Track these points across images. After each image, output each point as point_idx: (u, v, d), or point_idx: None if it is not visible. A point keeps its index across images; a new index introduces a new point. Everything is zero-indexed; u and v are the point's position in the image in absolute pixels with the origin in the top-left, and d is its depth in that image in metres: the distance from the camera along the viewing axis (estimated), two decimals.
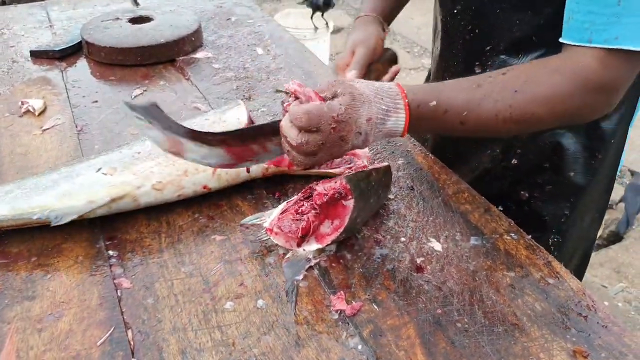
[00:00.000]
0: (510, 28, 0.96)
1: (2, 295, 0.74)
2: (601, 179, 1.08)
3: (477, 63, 1.03)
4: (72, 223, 0.84)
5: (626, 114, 1.03)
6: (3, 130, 1.11)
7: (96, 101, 1.21)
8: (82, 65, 1.39)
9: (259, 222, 0.83)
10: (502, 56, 0.99)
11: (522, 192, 1.07)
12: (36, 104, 1.17)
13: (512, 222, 0.86)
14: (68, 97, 1.23)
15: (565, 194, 1.06)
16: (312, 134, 0.75)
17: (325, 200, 0.80)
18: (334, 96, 0.77)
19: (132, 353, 0.66)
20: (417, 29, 4.44)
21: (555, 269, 0.77)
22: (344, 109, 0.75)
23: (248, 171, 0.91)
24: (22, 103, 1.18)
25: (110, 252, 0.81)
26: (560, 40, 0.82)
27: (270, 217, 0.82)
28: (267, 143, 0.82)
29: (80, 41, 1.43)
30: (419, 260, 0.79)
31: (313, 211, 0.80)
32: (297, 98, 0.78)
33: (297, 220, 0.80)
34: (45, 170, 0.94)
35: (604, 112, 0.85)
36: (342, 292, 0.74)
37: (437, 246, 0.81)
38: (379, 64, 1.13)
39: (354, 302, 0.72)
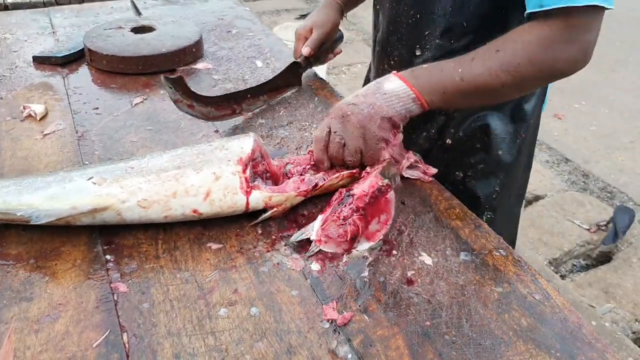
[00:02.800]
0: (445, 14, 1.07)
1: (1, 296, 0.76)
2: (523, 156, 1.22)
3: (417, 46, 1.13)
4: (71, 227, 0.85)
5: (541, 96, 1.18)
6: (4, 134, 1.13)
7: (97, 108, 1.23)
8: (83, 72, 1.41)
9: (305, 237, 0.86)
10: (438, 41, 1.09)
11: (457, 173, 1.18)
12: (38, 109, 1.19)
13: (502, 238, 0.88)
14: (69, 103, 1.25)
15: (495, 171, 1.18)
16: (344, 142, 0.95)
17: (367, 200, 0.85)
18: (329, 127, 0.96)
19: (127, 356, 0.68)
20: None
21: (541, 286, 0.79)
22: (350, 108, 0.93)
23: (247, 206, 0.89)
24: (24, 108, 1.20)
25: (108, 257, 0.83)
26: (525, 13, 0.90)
27: (313, 229, 0.86)
28: (245, 102, 1.18)
29: (83, 48, 1.45)
30: (409, 274, 0.81)
31: (357, 214, 0.85)
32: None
33: (342, 225, 0.84)
34: (46, 172, 0.95)
35: (578, 68, 0.91)
36: (333, 302, 0.75)
37: (427, 260, 0.83)
38: (329, 43, 1.34)
39: (345, 312, 0.74)
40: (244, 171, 0.89)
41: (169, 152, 0.93)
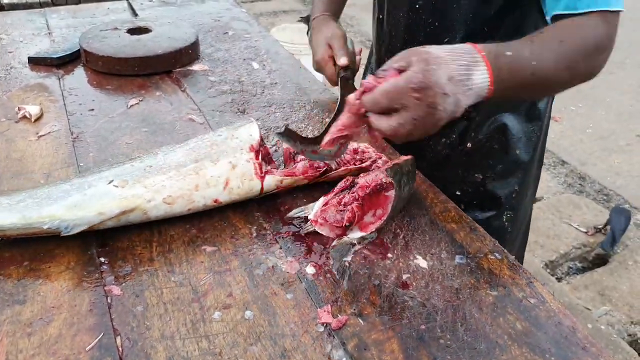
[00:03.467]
0: (465, 21, 1.06)
1: None
2: (538, 154, 1.23)
3: None
4: None
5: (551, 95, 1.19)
6: None
7: (92, 109, 1.23)
8: (79, 73, 1.41)
9: (303, 215, 0.89)
10: None
11: (476, 175, 1.18)
12: (33, 110, 1.18)
13: (497, 242, 0.88)
14: (64, 104, 1.25)
15: (513, 171, 1.19)
16: (400, 115, 0.76)
17: (367, 192, 0.87)
18: (409, 65, 0.76)
19: (121, 359, 0.67)
20: None
21: (537, 289, 0.79)
22: (421, 76, 0.74)
23: (262, 191, 0.93)
24: (19, 109, 1.19)
25: (102, 259, 0.82)
26: (555, 13, 0.91)
27: (313, 209, 0.88)
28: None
29: (79, 49, 1.45)
30: (404, 277, 0.81)
31: (356, 202, 0.87)
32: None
33: (341, 211, 0.87)
34: (58, 181, 0.95)
35: (603, 67, 0.92)
36: (328, 305, 0.75)
37: (422, 263, 0.83)
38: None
39: (339, 316, 0.74)
40: (257, 157, 0.93)
41: (182, 147, 0.94)
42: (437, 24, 1.09)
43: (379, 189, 0.88)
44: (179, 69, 1.43)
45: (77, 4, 1.92)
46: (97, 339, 0.70)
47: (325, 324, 0.73)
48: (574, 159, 3.28)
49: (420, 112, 0.75)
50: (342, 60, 1.15)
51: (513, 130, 1.16)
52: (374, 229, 0.87)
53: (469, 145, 1.16)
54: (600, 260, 2.55)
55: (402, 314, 0.75)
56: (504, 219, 1.19)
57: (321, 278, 0.80)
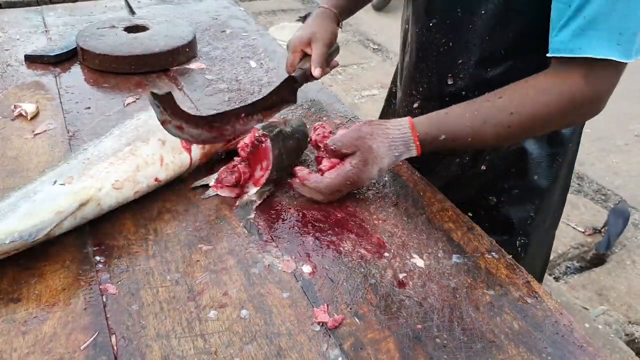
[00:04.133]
0: (481, 43, 1.01)
1: None
2: (560, 181, 1.17)
3: (449, 75, 1.07)
4: None
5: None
6: None
7: (89, 107, 1.23)
8: (76, 71, 1.40)
9: (206, 183, 0.98)
10: (472, 70, 1.04)
11: (490, 198, 1.13)
12: (29, 108, 1.18)
13: (494, 241, 0.88)
14: (61, 102, 1.24)
15: (530, 197, 1.13)
16: (333, 194, 0.93)
17: (249, 150, 0.96)
18: (353, 153, 0.91)
19: (116, 358, 0.67)
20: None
21: (534, 289, 0.79)
22: (355, 172, 0.90)
23: (191, 162, 0.99)
24: (15, 107, 1.19)
25: (98, 258, 0.82)
26: (548, 55, 0.88)
27: (212, 178, 0.98)
28: (238, 122, 1.05)
29: (75, 47, 1.44)
30: (401, 276, 0.80)
31: (242, 163, 0.97)
32: (317, 147, 1.00)
33: (233, 173, 0.95)
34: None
35: (592, 117, 0.91)
36: (324, 304, 0.75)
37: (419, 262, 0.83)
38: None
39: (336, 315, 0.73)
40: None
41: (107, 137, 0.96)
42: (451, 44, 1.05)
43: (257, 144, 0.95)
44: (176, 67, 1.42)
45: (74, 1, 1.91)
46: (92, 338, 0.69)
47: (321, 323, 0.72)
48: None
49: (346, 190, 0.94)
50: (316, 72, 1.14)
51: (533, 154, 1.10)
52: (264, 181, 0.95)
53: (483, 167, 1.12)
54: (598, 260, 2.55)
55: (399, 313, 0.74)
56: (517, 245, 1.14)
57: (317, 277, 0.80)
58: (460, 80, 1.06)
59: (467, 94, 1.05)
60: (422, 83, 1.13)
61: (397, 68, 1.30)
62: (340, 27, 1.25)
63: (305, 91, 1.32)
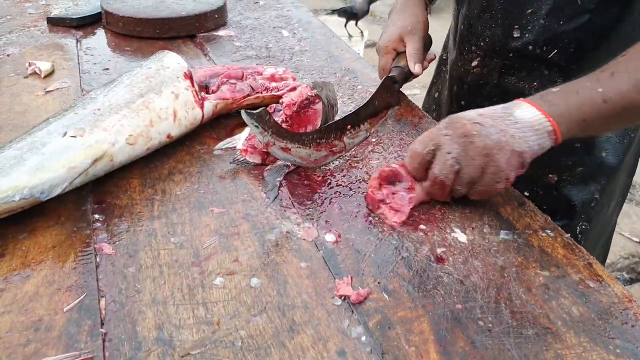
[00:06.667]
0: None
1: None
2: (629, 160, 1.04)
3: (516, 26, 0.94)
4: None
5: None
6: (5, 89, 1.05)
7: (107, 69, 1.15)
8: (99, 35, 1.33)
9: (232, 146, 0.87)
10: (543, 21, 0.91)
11: (550, 175, 1.00)
12: (43, 66, 1.11)
13: (549, 218, 0.76)
14: (79, 62, 1.17)
15: (595, 176, 1.00)
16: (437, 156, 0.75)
17: (294, 109, 0.86)
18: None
19: (102, 323, 0.58)
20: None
21: (596, 272, 0.67)
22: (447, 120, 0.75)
23: (202, 119, 0.91)
24: (29, 64, 1.12)
25: (96, 216, 0.73)
26: None
27: (240, 139, 0.86)
28: (346, 135, 0.88)
29: (100, 12, 1.37)
30: (439, 251, 0.69)
31: (284, 124, 0.84)
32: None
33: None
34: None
35: None
36: (348, 276, 0.64)
37: (461, 237, 0.72)
38: None
39: (360, 289, 0.62)
40: (192, 85, 0.90)
41: (117, 85, 0.87)
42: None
43: (306, 104, 0.86)
44: (203, 34, 1.33)
45: None
46: (78, 300, 0.60)
47: (343, 297, 0.62)
48: None
49: (456, 146, 0.73)
50: (417, 68, 1.00)
51: None
52: None
53: None
54: None
55: (435, 290, 0.63)
56: (577, 231, 1.01)
57: (342, 247, 0.69)
58: (528, 33, 0.93)
59: (535, 49, 0.92)
60: (484, 36, 0.99)
61: (448, 32, 1.17)
62: (429, 13, 1.10)
63: (340, 60, 1.22)
